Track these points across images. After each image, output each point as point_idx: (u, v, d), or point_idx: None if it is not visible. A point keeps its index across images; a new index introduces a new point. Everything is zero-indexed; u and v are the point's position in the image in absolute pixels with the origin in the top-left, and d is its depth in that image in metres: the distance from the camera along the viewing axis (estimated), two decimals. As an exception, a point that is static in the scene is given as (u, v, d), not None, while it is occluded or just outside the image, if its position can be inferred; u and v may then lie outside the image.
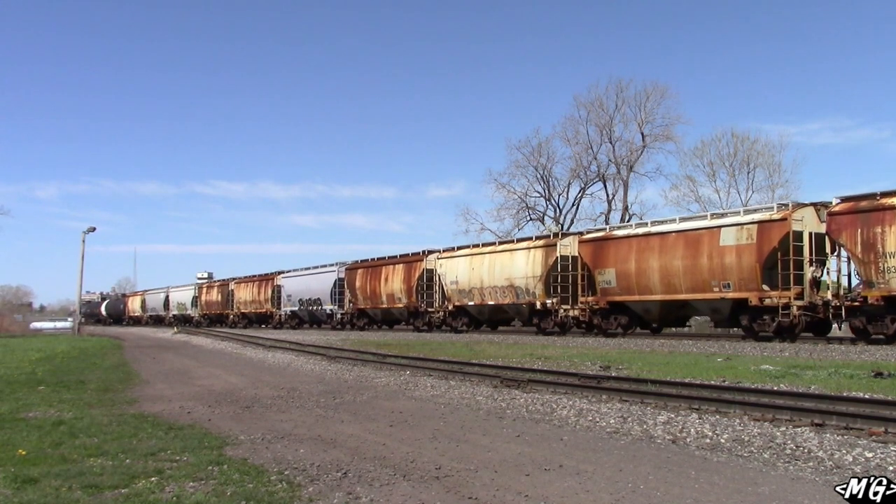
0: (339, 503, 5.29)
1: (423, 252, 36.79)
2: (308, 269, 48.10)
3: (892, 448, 6.80)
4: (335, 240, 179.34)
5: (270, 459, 6.71)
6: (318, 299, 45.37)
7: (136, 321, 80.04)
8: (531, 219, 55.32)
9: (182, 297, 68.82)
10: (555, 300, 28.17)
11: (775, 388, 10.63)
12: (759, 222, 21.75)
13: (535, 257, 29.40)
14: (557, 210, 55.14)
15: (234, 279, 58.74)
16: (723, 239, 22.44)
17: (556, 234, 30.06)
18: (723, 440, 7.45)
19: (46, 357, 22.24)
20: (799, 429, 7.82)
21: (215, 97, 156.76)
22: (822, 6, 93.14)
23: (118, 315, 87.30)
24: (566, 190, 54.96)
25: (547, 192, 55.30)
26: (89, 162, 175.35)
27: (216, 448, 7.22)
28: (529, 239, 31.72)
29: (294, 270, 49.46)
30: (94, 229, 51.96)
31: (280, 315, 49.72)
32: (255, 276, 55.55)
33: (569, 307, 27.96)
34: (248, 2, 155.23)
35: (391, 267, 38.46)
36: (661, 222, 25.81)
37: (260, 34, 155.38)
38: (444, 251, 35.72)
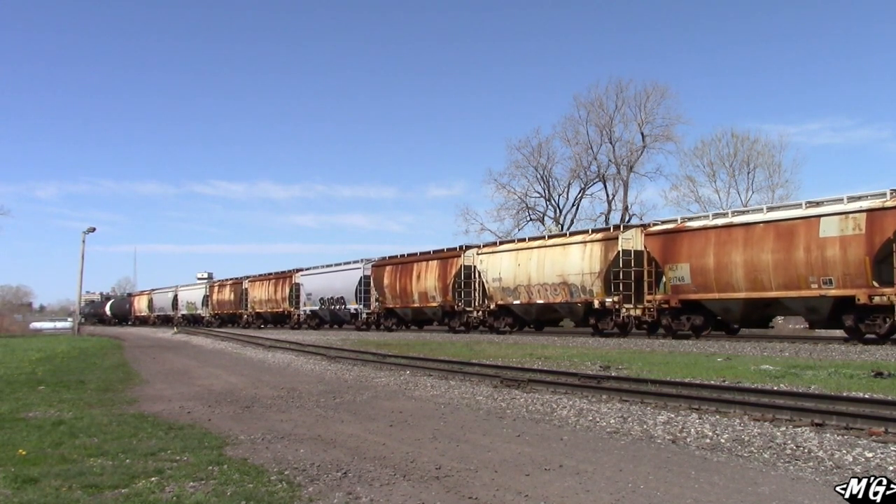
0: (339, 503, 5.29)
1: (461, 247, 34.89)
2: (330, 266, 45.89)
3: (892, 448, 6.80)
4: (335, 240, 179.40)
5: (270, 459, 6.71)
6: (342, 298, 42.98)
7: (143, 321, 77.83)
8: (531, 219, 55.42)
9: (192, 296, 66.76)
10: (615, 298, 25.77)
11: (775, 388, 10.63)
12: (869, 210, 19.25)
13: (592, 252, 27.15)
14: (557, 210, 55.22)
15: (247, 277, 56.32)
16: (823, 230, 20.01)
17: (616, 227, 27.78)
18: (723, 440, 7.45)
19: (46, 357, 22.24)
20: (799, 429, 7.82)
21: (215, 97, 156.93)
22: (822, 6, 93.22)
23: (124, 315, 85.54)
24: (566, 190, 55.05)
25: (547, 192, 55.38)
26: (89, 162, 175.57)
27: (216, 448, 7.22)
28: (585, 232, 29.64)
29: (314, 268, 47.49)
30: (94, 229, 52.02)
31: (299, 315, 47.56)
32: (271, 273, 53.13)
33: (630, 306, 25.55)
34: (248, 2, 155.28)
35: (424, 263, 36.05)
36: (744, 212, 23.51)
37: (260, 34, 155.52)
38: (484, 246, 33.94)
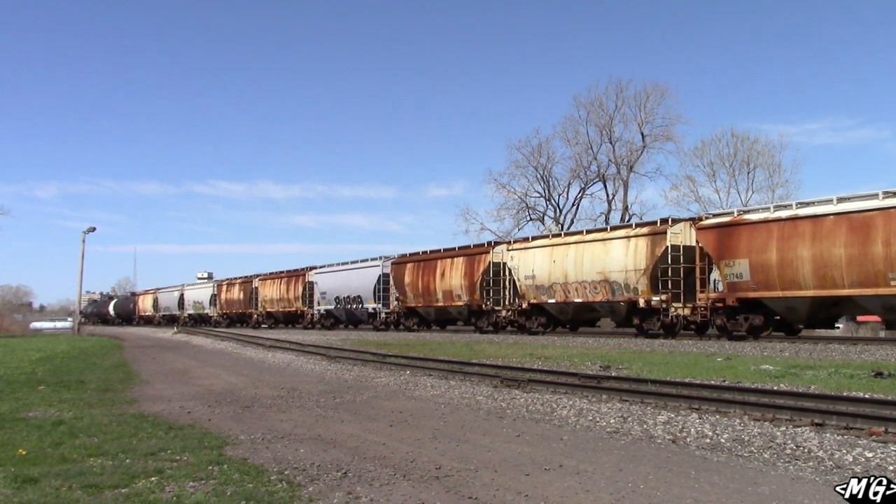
0: (339, 503, 5.29)
1: (489, 243, 33.39)
2: (346, 263, 43.94)
3: (892, 448, 6.80)
4: (335, 240, 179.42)
5: (270, 459, 6.71)
6: (359, 297, 41.14)
7: (148, 321, 75.75)
8: (531, 219, 55.39)
9: (199, 295, 64.93)
10: (663, 297, 24.07)
11: (775, 388, 10.62)
12: None
13: (637, 248, 25.34)
14: (557, 210, 55.19)
15: (258, 276, 54.46)
16: None
17: (664, 221, 25.82)
18: (723, 440, 7.45)
19: (46, 357, 22.24)
20: (799, 429, 7.82)
21: (215, 97, 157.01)
22: (821, 6, 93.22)
23: (128, 315, 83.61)
24: (566, 190, 55.00)
25: (547, 192, 55.35)
26: (89, 162, 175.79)
27: (216, 448, 7.22)
28: (628, 226, 27.68)
29: (329, 266, 45.92)
30: (94, 229, 52.02)
31: (312, 314, 45.81)
32: (282, 272, 51.41)
33: (680, 305, 23.89)
34: (248, 2, 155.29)
35: (449, 260, 34.19)
36: (809, 203, 21.65)
37: (260, 34, 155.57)
38: (515, 242, 32.08)
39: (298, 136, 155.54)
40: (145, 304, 79.06)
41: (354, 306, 41.81)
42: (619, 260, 25.89)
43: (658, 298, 24.39)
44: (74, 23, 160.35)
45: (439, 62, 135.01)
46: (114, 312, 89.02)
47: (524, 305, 29.85)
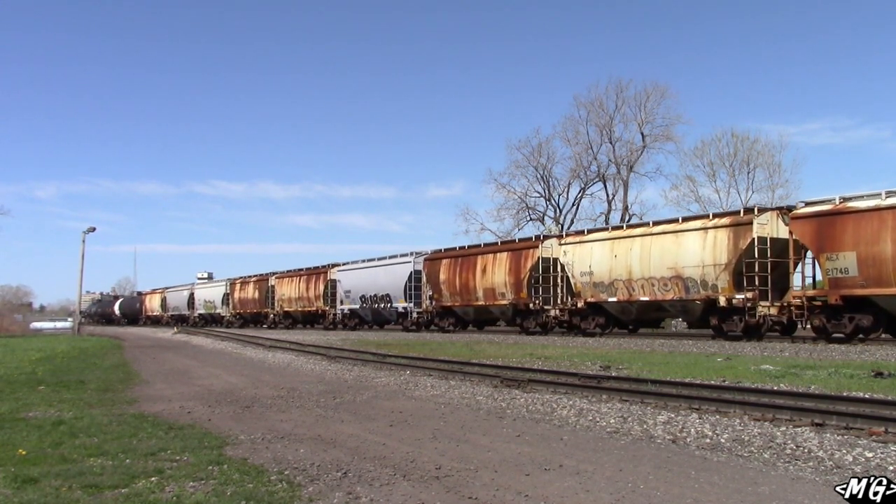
0: (339, 503, 5.29)
1: (538, 237, 31.14)
2: (372, 260, 41.43)
3: (892, 448, 6.80)
4: (335, 240, 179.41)
5: (270, 459, 6.71)
6: (387, 296, 38.77)
7: (156, 321, 73.18)
8: (531, 219, 55.41)
9: (210, 294, 62.68)
10: (749, 294, 21.93)
11: (775, 388, 10.63)
12: None
13: (717, 240, 23.05)
14: (557, 210, 55.20)
15: (274, 273, 52.13)
16: None
17: (749, 210, 23.68)
18: (723, 440, 7.45)
19: (46, 357, 22.24)
20: (799, 429, 7.83)
21: (215, 97, 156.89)
22: (822, 6, 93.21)
23: (134, 315, 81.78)
24: (566, 190, 55.00)
25: (547, 192, 55.36)
26: (88, 162, 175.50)
27: (216, 448, 7.22)
28: (704, 217, 24.76)
29: (353, 262, 43.57)
30: (94, 229, 51.95)
31: (335, 314, 43.60)
32: (302, 269, 49.13)
33: (767, 303, 21.87)
34: (248, 2, 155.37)
35: (491, 256, 31.75)
36: None
37: (260, 34, 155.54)
38: (568, 235, 29.84)
39: (298, 136, 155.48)
40: (153, 304, 76.96)
41: (382, 305, 39.42)
42: (694, 254, 23.58)
43: (742, 296, 22.11)
44: (74, 23, 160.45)
45: (439, 62, 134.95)
46: (119, 312, 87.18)
47: (580, 304, 27.52)
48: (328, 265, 45.88)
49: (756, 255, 21.94)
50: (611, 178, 52.87)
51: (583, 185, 54.17)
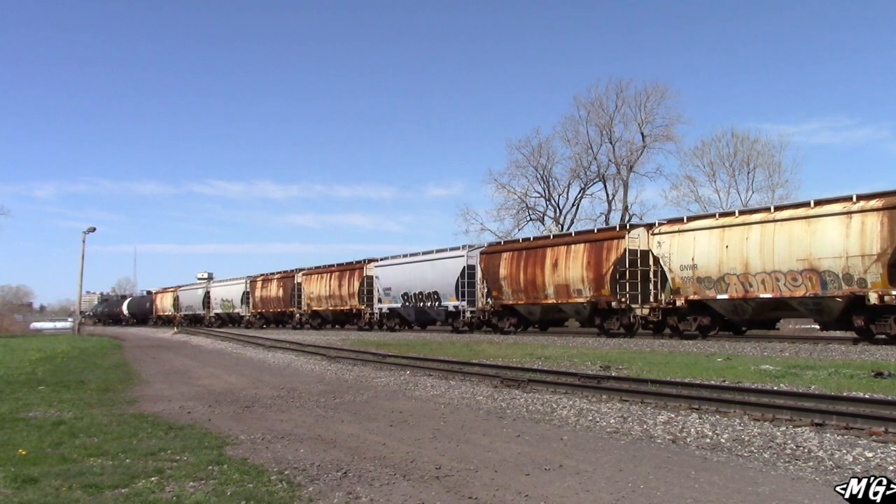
0: (339, 503, 5.30)
1: (623, 226, 27.70)
2: (416, 255, 38.03)
3: (892, 448, 6.80)
4: (335, 240, 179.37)
5: (270, 459, 6.72)
6: (434, 293, 35.25)
7: (167, 321, 68.90)
8: (531, 219, 55.37)
9: (228, 293, 58.79)
10: None
11: (775, 388, 10.63)
12: None
13: (865, 226, 19.43)
14: (557, 210, 55.16)
15: (301, 270, 48.88)
16: None
17: None
18: (723, 440, 7.45)
19: (46, 357, 22.25)
20: (799, 429, 7.83)
21: (214, 97, 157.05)
22: (822, 6, 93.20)
23: (144, 314, 78.20)
24: (566, 190, 54.95)
25: (547, 192, 55.32)
26: (88, 162, 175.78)
27: (216, 448, 7.23)
28: (846, 199, 20.37)
29: (393, 257, 40.14)
30: (94, 229, 51.85)
31: (371, 314, 40.45)
32: (333, 265, 45.82)
33: None
34: (248, 2, 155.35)
35: (564, 248, 28.40)
36: None
37: (260, 34, 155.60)
38: (662, 223, 25.82)
39: (297, 135, 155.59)
40: (164, 303, 73.31)
41: (429, 304, 35.87)
42: (834, 243, 20.07)
43: None
44: (74, 23, 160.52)
45: (439, 62, 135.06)
46: (128, 312, 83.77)
47: (679, 303, 24.01)
48: (364, 260, 42.75)
49: None
50: (611, 178, 52.91)
51: (583, 185, 54.20)
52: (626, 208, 51.56)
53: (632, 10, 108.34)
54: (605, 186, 53.31)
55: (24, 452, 6.93)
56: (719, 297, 22.97)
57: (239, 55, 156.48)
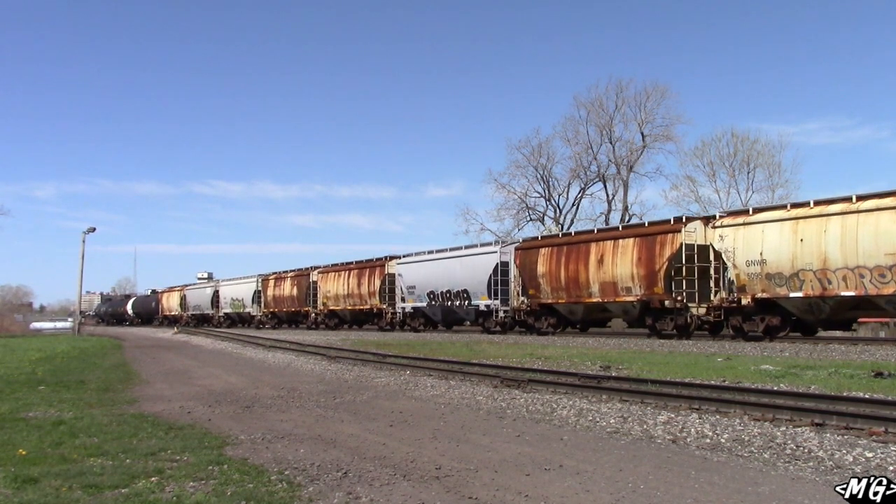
0: (340, 503, 5.30)
1: (678, 219, 25.26)
2: (443, 251, 36.25)
3: (892, 448, 6.80)
4: (335, 240, 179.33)
5: (270, 459, 6.71)
6: (464, 292, 33.39)
7: (174, 321, 65.90)
8: (531, 219, 55.33)
9: (238, 292, 56.80)
10: None
11: (775, 388, 10.63)
12: None
13: None
14: (557, 210, 55.13)
15: (317, 268, 47.11)
16: None
17: None
18: (723, 440, 7.45)
19: (46, 357, 22.25)
20: (799, 429, 7.83)
21: (214, 97, 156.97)
22: (822, 6, 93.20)
23: (149, 314, 76.71)
24: (566, 190, 54.90)
25: (547, 192, 55.28)
26: (87, 162, 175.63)
27: (216, 448, 7.23)
28: None
29: (418, 254, 38.47)
30: (93, 229, 51.80)
31: (394, 314, 38.76)
32: (351, 263, 43.93)
33: None
34: (248, 2, 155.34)
35: (611, 243, 26.30)
36: None
37: (259, 34, 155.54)
38: (723, 216, 23.98)
39: (297, 135, 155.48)
40: (170, 303, 71.74)
41: (457, 303, 34.00)
42: None
43: None
44: (74, 23, 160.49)
45: (439, 62, 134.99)
46: (133, 312, 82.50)
47: (745, 301, 22.15)
48: (385, 257, 41.11)
49: None
50: (611, 178, 52.88)
51: (583, 185, 54.15)
52: (626, 208, 51.58)
53: (632, 10, 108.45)
54: (605, 186, 53.32)
55: (24, 452, 6.93)
56: (792, 294, 21.05)
57: (239, 55, 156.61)
